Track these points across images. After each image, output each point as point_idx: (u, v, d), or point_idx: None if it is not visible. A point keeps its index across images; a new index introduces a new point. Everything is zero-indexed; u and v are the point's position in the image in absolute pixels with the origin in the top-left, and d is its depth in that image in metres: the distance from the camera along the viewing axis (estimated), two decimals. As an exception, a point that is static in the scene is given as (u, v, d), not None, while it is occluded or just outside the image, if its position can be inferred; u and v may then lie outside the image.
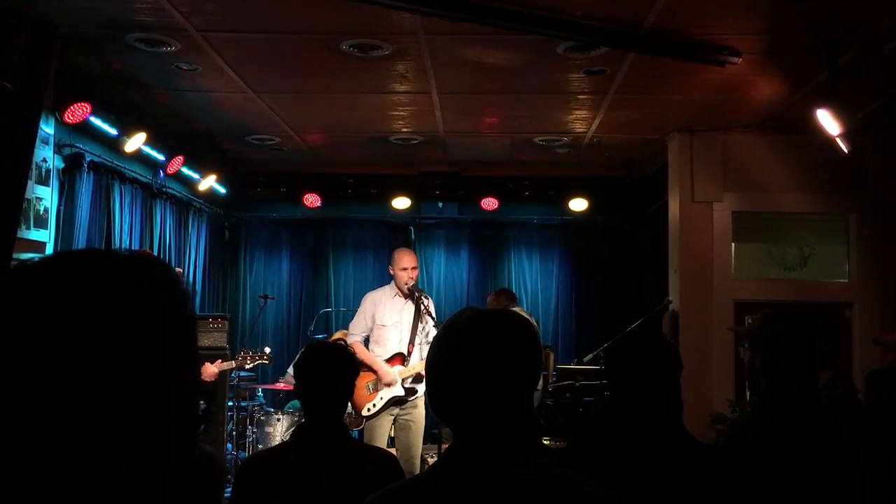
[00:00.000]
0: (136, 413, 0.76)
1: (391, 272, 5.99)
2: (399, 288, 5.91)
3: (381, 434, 5.80)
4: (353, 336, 5.91)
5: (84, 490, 0.73)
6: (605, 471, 1.60)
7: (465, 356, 1.47)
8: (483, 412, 1.45)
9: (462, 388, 1.47)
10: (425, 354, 5.97)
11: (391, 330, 5.89)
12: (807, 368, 2.38)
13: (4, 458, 0.72)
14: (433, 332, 6.03)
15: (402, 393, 5.81)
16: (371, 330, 5.91)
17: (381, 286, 6.19)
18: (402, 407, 5.82)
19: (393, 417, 5.81)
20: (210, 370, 6.28)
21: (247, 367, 6.60)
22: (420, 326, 5.95)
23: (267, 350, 6.67)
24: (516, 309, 6.72)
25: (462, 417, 1.48)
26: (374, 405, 5.73)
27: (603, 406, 2.39)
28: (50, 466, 0.72)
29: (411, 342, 5.91)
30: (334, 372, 2.74)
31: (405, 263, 5.89)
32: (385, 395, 5.75)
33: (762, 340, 2.45)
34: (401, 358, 5.87)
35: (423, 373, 6.08)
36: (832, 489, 2.26)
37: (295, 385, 2.84)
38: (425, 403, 6.04)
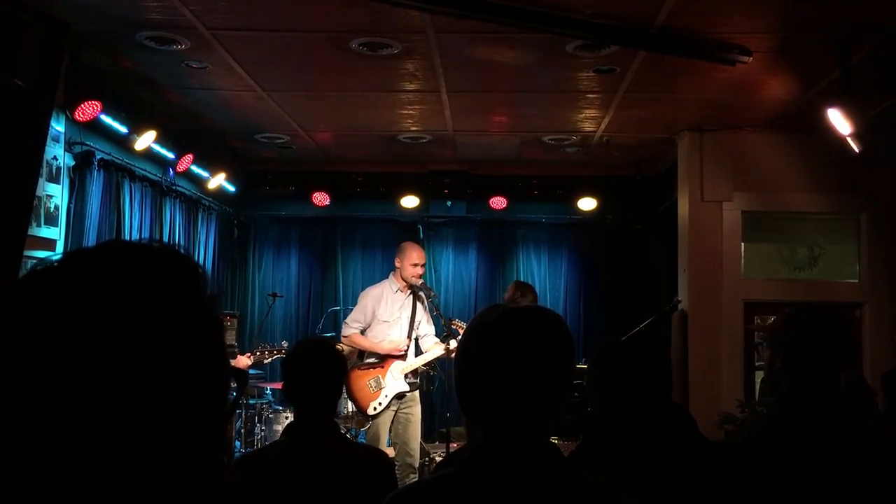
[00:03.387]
0: (161, 413, 0.73)
1: (397, 264, 5.95)
2: (405, 280, 5.89)
3: (385, 431, 5.80)
4: (350, 328, 5.86)
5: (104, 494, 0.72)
6: (620, 470, 1.59)
7: (495, 351, 1.45)
8: (510, 410, 1.44)
9: (490, 383, 1.45)
10: (426, 346, 5.95)
11: (393, 325, 5.88)
12: (828, 368, 2.36)
13: (29, 461, 0.71)
14: (425, 327, 6.03)
15: (406, 388, 5.82)
16: (369, 325, 5.88)
17: (379, 282, 6.19)
18: (402, 402, 5.83)
19: (393, 413, 5.81)
20: (243, 361, 6.30)
21: (266, 361, 6.59)
22: (416, 321, 5.97)
23: (285, 344, 6.67)
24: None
25: (489, 414, 1.46)
26: (381, 403, 5.72)
27: (605, 407, 2.37)
28: (73, 471, 0.71)
29: (409, 337, 5.92)
30: (324, 368, 2.68)
31: (416, 259, 5.88)
32: (389, 391, 5.76)
33: (784, 340, 2.43)
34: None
35: (423, 367, 6.12)
36: (858, 490, 2.24)
37: (283, 384, 2.75)
38: (421, 398, 6.09)
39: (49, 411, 0.70)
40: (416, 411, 5.88)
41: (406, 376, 5.81)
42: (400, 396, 5.80)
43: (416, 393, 5.92)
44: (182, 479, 0.75)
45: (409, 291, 5.95)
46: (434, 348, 5.94)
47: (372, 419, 5.73)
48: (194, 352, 0.76)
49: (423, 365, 5.98)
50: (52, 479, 0.71)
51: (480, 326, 1.51)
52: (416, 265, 5.86)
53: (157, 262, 0.79)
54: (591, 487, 1.46)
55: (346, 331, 5.89)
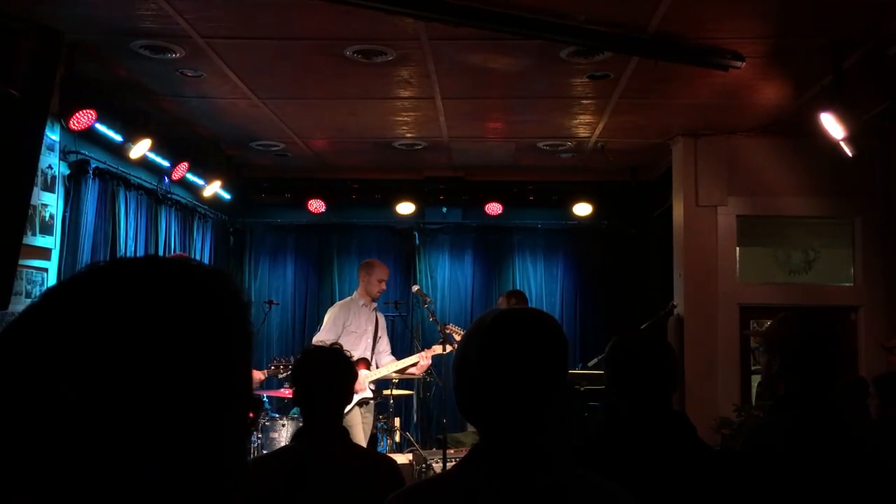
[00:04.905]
0: (195, 423, 0.74)
1: (366, 279, 6.30)
2: (369, 294, 6.28)
3: (358, 431, 5.99)
4: (326, 343, 6.02)
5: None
6: (618, 476, 1.59)
7: (492, 352, 1.47)
8: (508, 411, 1.45)
9: (489, 383, 1.46)
10: (382, 362, 6.29)
11: (360, 337, 6.21)
12: (825, 372, 2.36)
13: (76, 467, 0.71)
14: (383, 344, 6.45)
15: (370, 395, 6.15)
16: (339, 337, 6.12)
17: (346, 297, 6.58)
18: (364, 409, 6.12)
19: (361, 418, 6.07)
20: (257, 377, 6.32)
21: (281, 376, 6.55)
22: (377, 337, 6.34)
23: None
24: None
25: (487, 417, 1.48)
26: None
27: (608, 409, 2.38)
28: (102, 477, 0.71)
29: (373, 351, 6.26)
30: (334, 376, 2.73)
31: (382, 276, 6.33)
32: (355, 396, 5.99)
33: (780, 344, 2.42)
34: (365, 363, 6.18)
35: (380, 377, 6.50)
36: (853, 495, 2.24)
37: (294, 390, 2.80)
38: (419, 404, 6.26)
39: (71, 413, 0.71)
40: (370, 420, 6.27)
41: (370, 384, 6.15)
42: (361, 403, 6.05)
43: (373, 403, 6.27)
44: (196, 480, 0.76)
45: (373, 307, 6.31)
46: (396, 362, 6.29)
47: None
48: (221, 358, 0.78)
49: (397, 372, 6.32)
50: (69, 478, 0.71)
51: (478, 328, 1.53)
52: (381, 281, 6.30)
53: (197, 276, 0.80)
54: (590, 488, 1.47)
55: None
